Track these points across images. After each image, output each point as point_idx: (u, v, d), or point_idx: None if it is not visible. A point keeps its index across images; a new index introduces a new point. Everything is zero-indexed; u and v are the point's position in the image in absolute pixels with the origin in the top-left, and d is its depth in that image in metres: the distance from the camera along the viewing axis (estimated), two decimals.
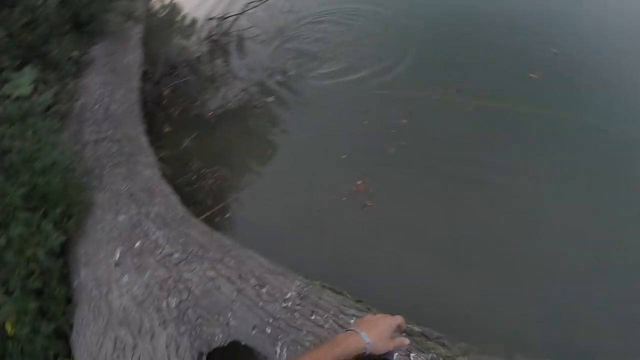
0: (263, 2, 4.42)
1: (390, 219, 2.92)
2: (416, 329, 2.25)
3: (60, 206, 2.35)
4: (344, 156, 3.26)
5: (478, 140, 3.38)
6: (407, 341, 1.10)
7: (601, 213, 2.97)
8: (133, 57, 3.96)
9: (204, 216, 2.89)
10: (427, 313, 2.50)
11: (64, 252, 2.44)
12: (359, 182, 3.02)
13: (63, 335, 2.16)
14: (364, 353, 0.97)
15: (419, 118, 3.49)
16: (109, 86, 3.58)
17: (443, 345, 2.26)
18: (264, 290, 2.14)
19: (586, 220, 2.94)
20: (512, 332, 2.55)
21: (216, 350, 2.21)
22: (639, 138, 3.30)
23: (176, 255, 2.26)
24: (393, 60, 4.00)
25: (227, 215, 3.06)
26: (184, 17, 5.21)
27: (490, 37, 4.25)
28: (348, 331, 1.03)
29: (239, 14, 4.38)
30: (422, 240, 2.86)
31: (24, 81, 2.99)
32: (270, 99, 3.85)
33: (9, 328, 1.79)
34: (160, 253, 2.28)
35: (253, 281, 2.17)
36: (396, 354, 1.25)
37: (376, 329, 1.03)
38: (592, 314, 2.60)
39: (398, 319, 1.10)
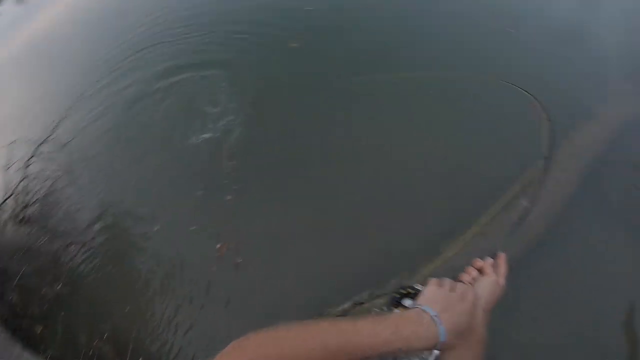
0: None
1: (269, 255, 3.10)
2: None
3: None
4: (194, 227, 3.32)
5: (291, 133, 3.66)
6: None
7: None
8: None
9: None
10: (356, 286, 2.77)
11: None
12: (218, 246, 3.10)
13: None
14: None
15: (239, 150, 3.63)
16: None
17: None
18: None
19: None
20: (421, 234, 2.99)
21: None
22: None
23: None
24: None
25: None
26: None
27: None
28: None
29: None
30: (313, 239, 3.09)
31: None
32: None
33: None
34: None
35: None
36: None
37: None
38: None
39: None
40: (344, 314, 2.71)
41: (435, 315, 0.76)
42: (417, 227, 3.14)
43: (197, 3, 4.92)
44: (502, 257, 1.04)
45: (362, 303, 2.73)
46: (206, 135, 3.65)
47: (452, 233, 3.04)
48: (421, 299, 0.85)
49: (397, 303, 0.93)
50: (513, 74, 4.10)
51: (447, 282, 0.91)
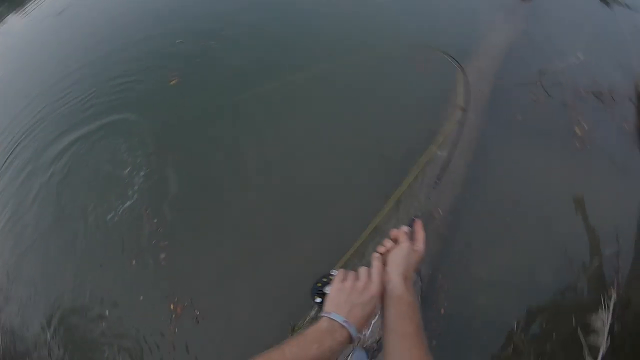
0: None
1: (222, 296, 3.03)
2: None
3: None
4: (142, 297, 3.20)
5: (204, 169, 3.59)
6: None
7: None
8: None
9: None
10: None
11: None
12: (171, 307, 3.01)
13: None
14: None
15: (158, 205, 3.49)
16: None
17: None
18: None
19: None
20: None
21: None
22: None
23: None
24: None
25: None
26: None
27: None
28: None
29: None
30: (256, 265, 3.08)
31: None
32: None
33: None
34: None
35: None
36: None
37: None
38: None
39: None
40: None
41: (344, 321, 0.85)
42: (355, 206, 3.22)
43: (67, 63, 4.65)
44: (418, 223, 1.07)
45: None
46: (127, 204, 3.50)
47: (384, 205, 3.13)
48: (328, 304, 0.92)
49: (319, 292, 0.98)
50: (417, 36, 4.25)
51: (351, 274, 0.97)
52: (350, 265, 2.77)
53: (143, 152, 3.62)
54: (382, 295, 0.93)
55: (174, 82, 3.89)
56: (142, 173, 3.56)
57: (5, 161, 4.35)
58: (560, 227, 3.60)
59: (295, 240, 3.08)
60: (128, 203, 3.44)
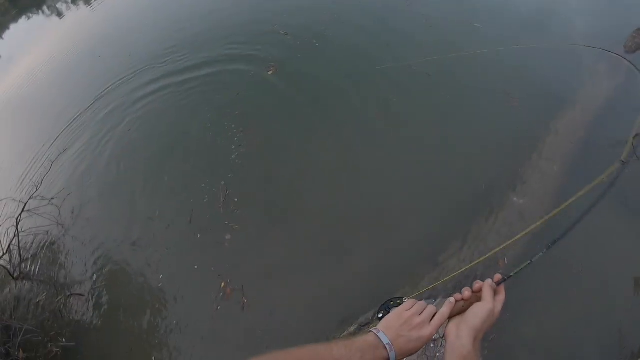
0: None
1: (272, 290, 3.08)
2: None
3: None
4: (196, 267, 3.31)
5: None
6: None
7: None
8: None
9: None
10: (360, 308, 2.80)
11: None
12: (222, 286, 3.09)
13: None
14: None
15: (237, 186, 3.60)
16: None
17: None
18: None
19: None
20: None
21: None
22: None
23: None
24: None
25: None
26: None
27: None
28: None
29: None
30: (312, 268, 3.14)
31: None
32: None
33: None
34: None
35: None
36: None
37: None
38: None
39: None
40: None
41: (388, 344, 0.87)
42: (412, 237, 3.17)
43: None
44: (502, 286, 1.00)
45: (367, 324, 2.75)
46: (211, 173, 3.62)
47: (448, 240, 3.05)
48: (383, 322, 0.94)
49: (387, 310, 1.01)
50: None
51: (417, 307, 0.97)
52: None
53: (238, 127, 3.73)
54: (445, 346, 0.92)
55: (271, 71, 4.02)
56: (237, 146, 3.71)
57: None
58: (620, 308, 3.40)
59: (353, 255, 3.09)
60: (212, 173, 3.53)
